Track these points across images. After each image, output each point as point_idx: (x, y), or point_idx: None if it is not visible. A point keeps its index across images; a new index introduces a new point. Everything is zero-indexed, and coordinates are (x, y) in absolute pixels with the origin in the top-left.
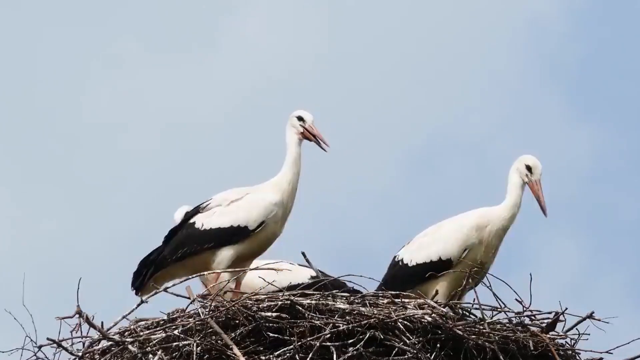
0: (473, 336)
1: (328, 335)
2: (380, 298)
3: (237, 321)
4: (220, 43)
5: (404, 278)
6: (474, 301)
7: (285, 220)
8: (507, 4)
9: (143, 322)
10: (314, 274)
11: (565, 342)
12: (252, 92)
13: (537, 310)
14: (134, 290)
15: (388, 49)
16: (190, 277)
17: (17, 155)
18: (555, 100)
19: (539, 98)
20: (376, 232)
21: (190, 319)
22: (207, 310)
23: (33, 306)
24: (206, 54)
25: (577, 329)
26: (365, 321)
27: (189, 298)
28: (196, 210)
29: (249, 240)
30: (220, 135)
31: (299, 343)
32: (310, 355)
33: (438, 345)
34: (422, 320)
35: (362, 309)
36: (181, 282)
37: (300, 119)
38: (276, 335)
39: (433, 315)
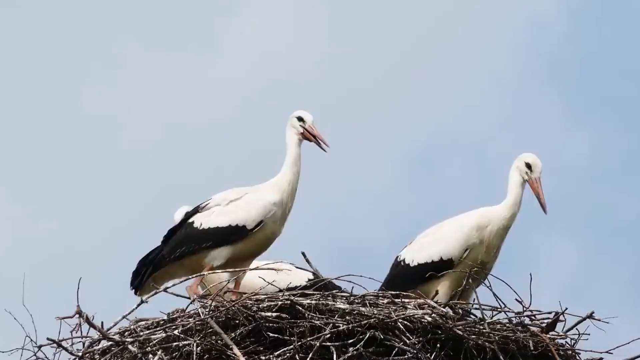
0: (473, 336)
1: (328, 335)
2: (380, 298)
3: (237, 321)
4: (220, 43)
5: (405, 278)
6: (473, 301)
7: (285, 220)
8: (507, 4)
9: (143, 322)
10: (311, 276)
11: (565, 342)
12: (252, 92)
13: (537, 310)
14: (133, 290)
15: (388, 49)
16: (190, 277)
17: (17, 155)
18: (555, 100)
19: (539, 98)
20: (376, 232)
21: (190, 319)
22: (207, 310)
23: (33, 306)
24: (206, 53)
25: (577, 329)
26: (365, 321)
27: (189, 298)
28: (195, 210)
29: (248, 239)
30: (220, 135)
31: (299, 343)
32: (310, 355)
33: (438, 345)
34: (422, 320)
35: (362, 309)
36: (181, 282)
37: (300, 119)
38: (276, 335)
39: (433, 315)
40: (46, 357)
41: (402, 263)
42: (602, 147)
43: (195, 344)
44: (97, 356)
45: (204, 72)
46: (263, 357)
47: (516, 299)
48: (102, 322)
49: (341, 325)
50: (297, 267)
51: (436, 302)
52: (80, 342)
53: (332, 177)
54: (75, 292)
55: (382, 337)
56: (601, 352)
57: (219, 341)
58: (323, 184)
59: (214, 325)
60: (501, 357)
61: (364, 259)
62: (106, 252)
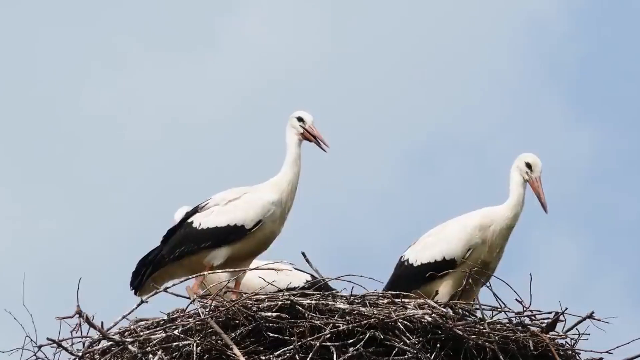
0: (473, 336)
1: (328, 335)
2: (380, 298)
3: (237, 321)
4: (220, 43)
5: (409, 278)
6: (474, 301)
7: (284, 220)
8: (507, 4)
9: (143, 322)
10: (309, 278)
11: (565, 342)
12: (252, 92)
13: (537, 310)
14: (133, 290)
15: (388, 49)
16: (190, 277)
17: (17, 155)
18: (555, 100)
19: (539, 98)
20: (376, 232)
21: (190, 319)
22: (207, 310)
23: (33, 306)
24: (206, 53)
25: (577, 329)
26: (365, 321)
27: (189, 298)
28: (195, 210)
29: (247, 239)
30: (220, 135)
31: (299, 343)
32: (310, 355)
33: (438, 345)
34: (422, 320)
35: (362, 309)
36: (181, 282)
37: (300, 119)
38: (276, 335)
39: (433, 315)
40: (46, 357)
41: (405, 263)
42: (601, 147)
43: (195, 344)
44: (97, 356)
45: (204, 72)
46: (263, 357)
47: (516, 299)
48: (102, 322)
49: (341, 325)
50: (295, 269)
51: (436, 302)
52: (80, 342)
53: (332, 177)
54: (75, 292)
55: (382, 337)
56: (601, 352)
57: (219, 341)
58: (323, 184)
59: (214, 325)
60: (501, 357)
61: (364, 259)
62: (106, 252)
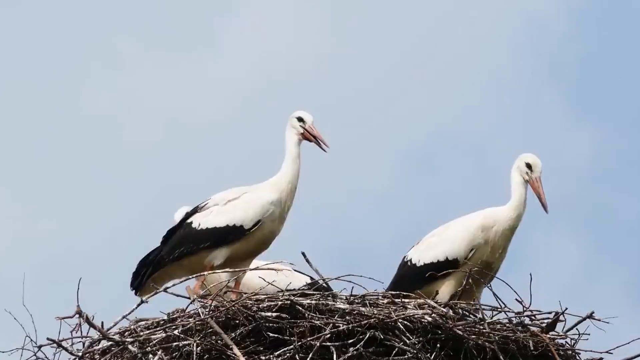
0: (473, 336)
1: (328, 335)
2: (380, 298)
3: (237, 321)
4: (220, 43)
5: (412, 278)
6: (474, 301)
7: (284, 220)
8: (507, 3)
9: (143, 322)
10: (309, 280)
11: (565, 342)
12: (252, 92)
13: (537, 310)
14: (133, 290)
15: (388, 49)
16: (190, 277)
17: (17, 155)
18: (555, 100)
19: (539, 98)
20: (376, 232)
21: (190, 319)
22: (207, 310)
23: (33, 306)
24: (206, 53)
25: (577, 329)
26: (365, 321)
27: (189, 298)
28: (194, 211)
29: (246, 239)
30: (220, 135)
31: (299, 343)
32: (310, 355)
33: (438, 345)
34: (422, 320)
35: (362, 309)
36: (181, 282)
37: (300, 119)
38: (276, 335)
39: (433, 315)
40: (46, 357)
41: (409, 263)
42: (601, 147)
43: (195, 344)
44: (97, 356)
45: (204, 72)
46: (263, 357)
47: (516, 299)
48: (102, 322)
49: (341, 325)
50: (295, 271)
51: (436, 302)
52: (80, 342)
53: (332, 177)
54: (75, 292)
55: (382, 337)
56: (601, 352)
57: (219, 341)
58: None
59: (214, 325)
60: (501, 357)
61: (364, 259)
62: (106, 252)
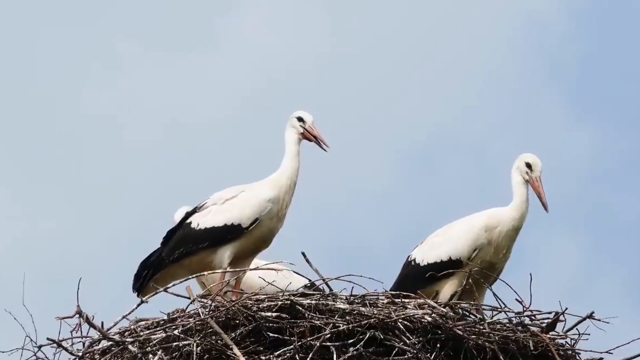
0: (473, 336)
1: (328, 335)
2: (380, 298)
3: (237, 321)
4: (220, 43)
5: (416, 278)
6: (473, 301)
7: (283, 217)
8: (507, 3)
9: (143, 322)
10: (307, 283)
11: (565, 342)
12: (252, 92)
13: (537, 310)
14: (136, 293)
15: (388, 49)
16: (190, 277)
17: (17, 155)
18: (554, 100)
19: (539, 98)
20: (376, 232)
21: (190, 319)
22: (207, 310)
23: (33, 306)
24: (206, 53)
25: (577, 329)
26: (365, 321)
27: (189, 298)
28: (194, 211)
29: (245, 237)
30: (220, 135)
31: (299, 343)
32: (310, 355)
33: (438, 345)
34: (422, 320)
35: (362, 309)
36: (181, 282)
37: (300, 119)
38: (276, 335)
39: (433, 315)
40: (46, 357)
41: (412, 263)
42: (601, 147)
43: (195, 344)
44: (97, 356)
45: (204, 72)
46: (263, 357)
47: (516, 299)
48: (102, 322)
49: (341, 325)
50: (294, 272)
51: (436, 302)
52: (80, 342)
53: (332, 177)
54: (75, 292)
55: (382, 337)
56: (601, 352)
57: (219, 341)
58: (323, 184)
59: (214, 325)
60: (501, 357)
61: (364, 259)
62: (106, 252)
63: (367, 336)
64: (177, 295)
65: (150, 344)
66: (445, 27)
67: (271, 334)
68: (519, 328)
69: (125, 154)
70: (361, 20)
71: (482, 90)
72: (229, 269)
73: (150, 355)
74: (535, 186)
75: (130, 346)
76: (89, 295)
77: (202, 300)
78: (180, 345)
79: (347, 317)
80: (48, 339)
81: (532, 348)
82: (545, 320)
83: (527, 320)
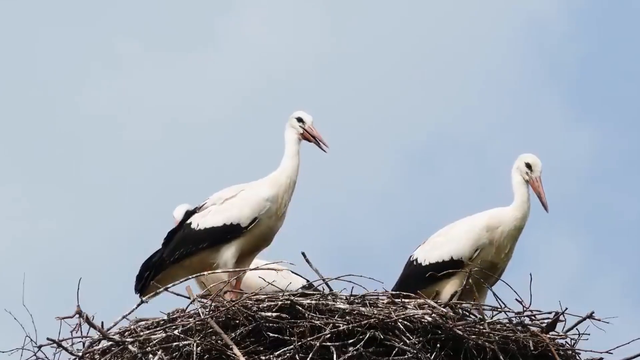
0: (473, 336)
1: (328, 335)
2: (380, 298)
3: (237, 321)
4: (220, 43)
5: (418, 277)
6: (473, 300)
7: (283, 215)
8: (507, 3)
9: (143, 322)
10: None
11: (565, 342)
12: (252, 92)
13: (537, 310)
14: (138, 294)
15: (388, 49)
16: (190, 277)
17: (17, 155)
18: (554, 100)
19: (539, 98)
20: (376, 232)
21: (190, 319)
22: (207, 310)
23: (33, 306)
24: (206, 53)
25: (577, 329)
26: (365, 321)
27: (189, 298)
28: (194, 211)
29: (244, 237)
30: (220, 135)
31: (299, 343)
32: (310, 355)
33: (438, 345)
34: (422, 320)
35: (362, 309)
36: (181, 282)
37: (299, 120)
38: (276, 335)
39: (433, 315)
40: (46, 357)
41: (414, 263)
42: (601, 147)
43: (195, 344)
44: (97, 356)
45: (204, 72)
46: (263, 357)
47: (516, 299)
48: (102, 322)
49: (341, 325)
50: (293, 272)
51: (436, 302)
52: (80, 342)
53: (332, 177)
54: (75, 292)
55: (382, 337)
56: (601, 352)
57: (219, 341)
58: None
59: (214, 325)
60: (501, 357)
61: (364, 259)
62: (106, 252)
63: (367, 336)
64: (178, 295)
65: (150, 344)
66: (445, 27)
67: (271, 334)
68: (519, 328)
69: (125, 154)
70: (361, 20)
71: (482, 90)
72: (229, 269)
73: (150, 355)
74: (535, 186)
75: (130, 346)
76: (89, 295)
77: (202, 300)
78: (180, 345)
79: (347, 317)
80: (48, 339)
81: (532, 348)
82: (545, 320)
83: (527, 320)
